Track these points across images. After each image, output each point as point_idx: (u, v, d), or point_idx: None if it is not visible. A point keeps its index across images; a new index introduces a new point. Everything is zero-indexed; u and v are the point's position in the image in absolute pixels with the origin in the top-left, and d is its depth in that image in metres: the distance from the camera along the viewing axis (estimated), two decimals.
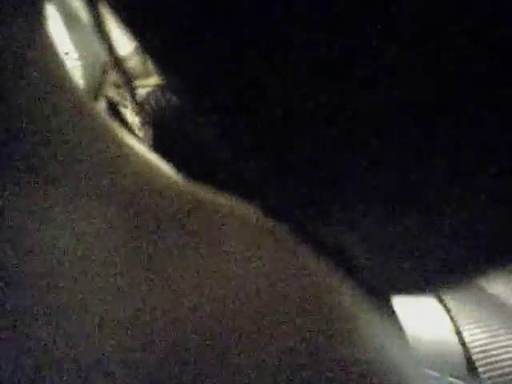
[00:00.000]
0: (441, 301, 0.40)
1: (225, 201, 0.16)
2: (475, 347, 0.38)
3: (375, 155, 0.15)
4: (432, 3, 0.12)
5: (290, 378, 0.13)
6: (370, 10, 0.13)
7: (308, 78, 0.15)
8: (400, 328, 0.20)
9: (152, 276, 0.13)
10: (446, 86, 0.14)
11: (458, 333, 0.39)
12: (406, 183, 0.16)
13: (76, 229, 0.14)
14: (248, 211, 0.16)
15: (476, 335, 0.38)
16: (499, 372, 0.37)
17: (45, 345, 0.12)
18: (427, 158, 0.15)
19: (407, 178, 0.16)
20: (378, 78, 0.14)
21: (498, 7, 0.12)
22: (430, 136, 0.15)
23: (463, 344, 0.38)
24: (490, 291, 0.41)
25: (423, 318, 0.39)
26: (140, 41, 0.15)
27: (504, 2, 0.12)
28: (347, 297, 0.15)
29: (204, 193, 0.16)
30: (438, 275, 0.19)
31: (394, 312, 0.19)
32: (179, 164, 0.16)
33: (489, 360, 0.38)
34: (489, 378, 0.37)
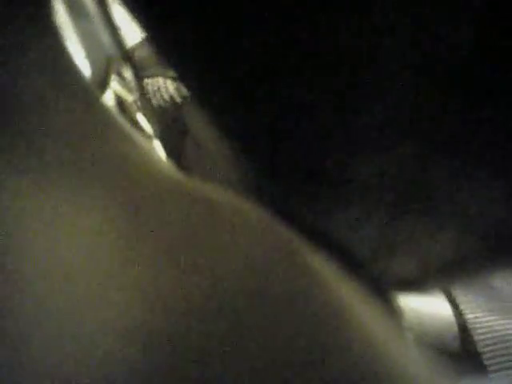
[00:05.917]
0: (449, 297, 0.40)
1: (226, 197, 0.16)
2: (484, 340, 0.38)
3: (377, 155, 0.15)
4: None
5: (292, 377, 0.13)
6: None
7: (311, 77, 0.15)
8: (405, 326, 0.20)
9: (153, 273, 0.13)
10: (448, 85, 0.14)
11: (465, 329, 0.39)
12: (408, 181, 0.16)
13: (78, 225, 0.14)
14: (249, 208, 0.16)
15: (484, 328, 0.38)
16: (507, 365, 0.38)
17: (45, 346, 0.12)
18: (429, 158, 0.15)
19: (409, 177, 0.16)
20: (380, 79, 0.14)
21: None
22: (431, 136, 0.15)
23: (471, 337, 0.38)
24: (496, 287, 0.41)
25: (429, 315, 0.39)
26: (152, 37, 0.15)
27: None
28: (350, 295, 0.15)
29: (205, 189, 0.16)
30: (442, 273, 0.19)
31: (399, 310, 0.19)
32: (182, 159, 0.16)
33: (496, 354, 0.38)
34: (495, 372, 0.37)
